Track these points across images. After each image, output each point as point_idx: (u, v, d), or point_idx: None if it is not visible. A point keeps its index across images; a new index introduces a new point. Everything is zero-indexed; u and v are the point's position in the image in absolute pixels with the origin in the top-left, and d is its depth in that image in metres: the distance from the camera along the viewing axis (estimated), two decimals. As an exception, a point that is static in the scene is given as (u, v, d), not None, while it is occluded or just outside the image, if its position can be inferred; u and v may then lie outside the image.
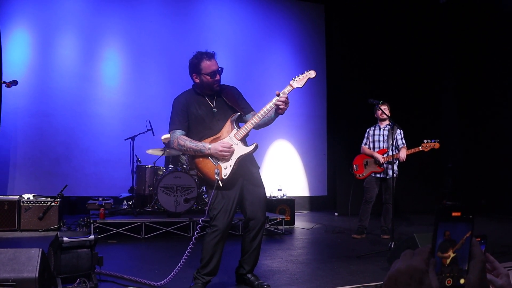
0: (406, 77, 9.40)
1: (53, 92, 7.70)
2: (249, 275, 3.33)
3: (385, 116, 5.66)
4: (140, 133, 6.23)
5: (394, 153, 5.52)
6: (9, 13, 7.56)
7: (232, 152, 3.06)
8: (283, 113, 3.10)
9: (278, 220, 6.19)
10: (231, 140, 3.10)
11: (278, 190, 7.13)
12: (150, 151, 6.33)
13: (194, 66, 3.16)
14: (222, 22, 9.02)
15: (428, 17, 9.69)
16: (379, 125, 5.93)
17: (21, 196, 5.65)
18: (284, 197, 7.01)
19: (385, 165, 5.69)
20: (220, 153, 3.02)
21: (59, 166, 7.59)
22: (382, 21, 9.31)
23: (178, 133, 3.14)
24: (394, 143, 5.66)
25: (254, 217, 3.23)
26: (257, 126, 3.17)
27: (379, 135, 5.85)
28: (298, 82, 3.14)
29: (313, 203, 9.43)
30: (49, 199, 5.67)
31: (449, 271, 0.63)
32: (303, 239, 5.81)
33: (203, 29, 8.77)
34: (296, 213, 7.40)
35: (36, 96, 7.59)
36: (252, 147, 3.13)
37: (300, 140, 9.47)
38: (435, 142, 5.36)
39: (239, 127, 3.16)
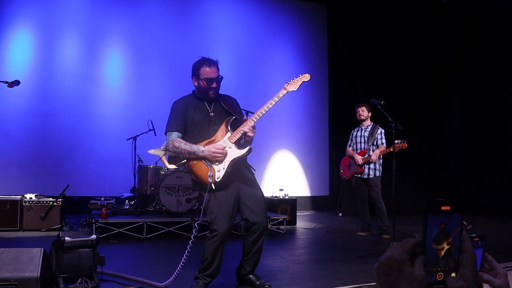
0: (409, 77, 9.39)
1: (56, 92, 7.72)
2: (250, 276, 3.32)
3: (363, 118, 5.95)
4: (142, 133, 6.25)
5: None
6: (12, 13, 7.58)
7: (225, 155, 3.06)
8: (251, 140, 3.14)
9: (280, 220, 6.20)
10: (225, 143, 3.11)
11: (280, 190, 7.13)
12: (152, 151, 6.34)
13: (195, 70, 3.22)
14: (224, 22, 9.03)
15: (431, 17, 9.68)
16: (361, 127, 6.06)
17: (23, 196, 5.67)
18: (286, 197, 7.01)
19: (365, 166, 5.84)
20: (213, 154, 3.02)
21: (62, 166, 7.61)
22: (384, 21, 9.30)
23: (174, 135, 3.17)
24: (375, 143, 5.79)
25: (256, 221, 3.18)
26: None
27: (361, 136, 6.00)
28: (293, 85, 3.21)
29: (315, 203, 9.42)
30: (51, 199, 5.68)
31: (443, 263, 0.64)
32: (304, 239, 5.81)
33: (205, 29, 8.78)
34: (298, 213, 7.40)
35: (38, 96, 7.61)
36: (245, 150, 3.11)
37: (302, 140, 9.46)
38: (403, 142, 5.43)
39: (233, 131, 3.16)
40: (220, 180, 3.05)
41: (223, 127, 3.18)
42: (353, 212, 8.02)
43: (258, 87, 8.90)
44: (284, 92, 3.15)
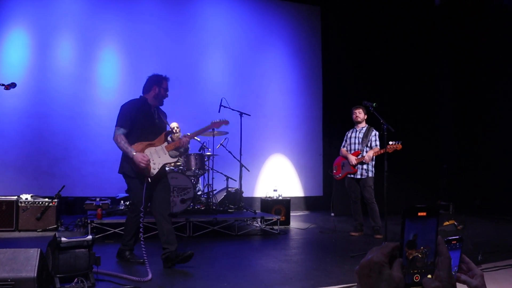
0: (402, 79, 9.47)
1: (51, 93, 7.73)
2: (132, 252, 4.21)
3: (359, 119, 6.08)
4: (137, 134, 6.26)
5: None
6: (7, 14, 7.59)
7: (147, 164, 3.85)
8: (181, 154, 4.32)
9: (274, 220, 6.25)
10: (162, 150, 4.00)
11: (274, 190, 7.18)
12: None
13: (158, 80, 4.11)
14: (218, 23, 9.07)
15: (424, 19, 9.77)
16: (356, 128, 6.16)
17: (19, 196, 5.69)
18: (280, 198, 7.06)
19: (358, 166, 5.93)
20: (139, 161, 3.79)
21: (57, 166, 7.63)
22: (377, 23, 9.38)
23: (121, 130, 3.98)
24: (369, 145, 5.89)
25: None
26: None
27: (355, 137, 6.10)
28: (217, 124, 4.29)
29: (308, 204, 9.49)
30: (46, 199, 5.71)
31: (413, 266, 0.70)
32: (298, 239, 5.87)
33: (200, 30, 8.82)
34: (292, 213, 7.46)
35: (34, 97, 7.62)
36: (175, 159, 4.25)
37: (296, 141, 9.52)
38: (398, 143, 5.53)
39: (169, 141, 4.06)
40: (154, 175, 3.91)
41: (162, 136, 4.04)
42: (346, 212, 8.08)
43: (252, 87, 8.95)
44: (210, 126, 4.24)
